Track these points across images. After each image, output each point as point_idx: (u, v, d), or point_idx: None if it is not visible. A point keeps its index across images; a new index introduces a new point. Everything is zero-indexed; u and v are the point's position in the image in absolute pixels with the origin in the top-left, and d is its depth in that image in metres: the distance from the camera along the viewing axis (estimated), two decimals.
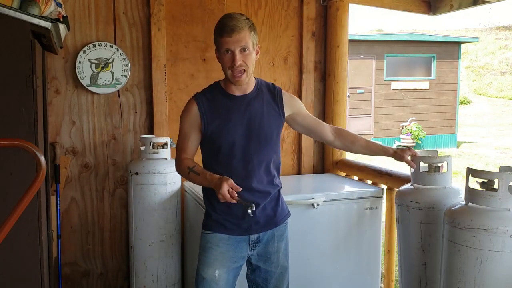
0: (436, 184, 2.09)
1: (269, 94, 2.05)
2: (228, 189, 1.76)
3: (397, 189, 2.91)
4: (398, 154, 2.15)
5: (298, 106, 2.15)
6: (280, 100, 2.06)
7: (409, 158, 2.14)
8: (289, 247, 2.17)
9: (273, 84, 2.10)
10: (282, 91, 2.10)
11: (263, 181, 2.01)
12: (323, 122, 2.24)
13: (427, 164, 2.12)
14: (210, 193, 1.99)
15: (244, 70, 1.88)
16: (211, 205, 2.02)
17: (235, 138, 1.95)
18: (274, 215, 2.07)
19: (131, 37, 3.14)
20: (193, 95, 2.03)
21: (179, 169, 2.00)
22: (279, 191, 2.11)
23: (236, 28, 1.83)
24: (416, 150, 2.17)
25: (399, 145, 13.39)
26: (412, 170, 2.16)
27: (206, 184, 1.90)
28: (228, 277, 2.00)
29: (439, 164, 2.10)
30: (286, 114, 2.08)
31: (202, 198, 2.18)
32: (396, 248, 3.11)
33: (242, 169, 1.97)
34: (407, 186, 2.23)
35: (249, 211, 1.81)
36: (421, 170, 2.13)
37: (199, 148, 2.06)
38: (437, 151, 2.18)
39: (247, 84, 1.97)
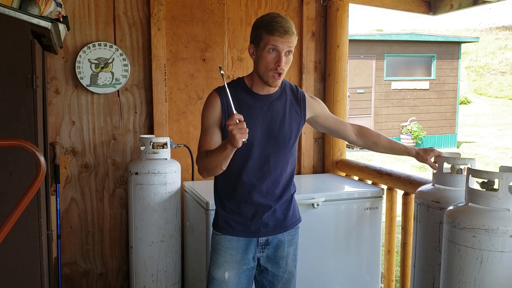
0: (458, 185, 2.08)
1: (292, 95, 2.02)
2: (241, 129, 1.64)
3: (397, 189, 2.92)
4: (421, 156, 2.15)
5: (320, 107, 2.12)
6: (303, 102, 2.04)
7: (432, 159, 2.13)
8: (298, 253, 2.14)
9: (296, 86, 2.07)
10: (306, 94, 2.08)
11: (277, 183, 1.98)
12: (345, 122, 2.23)
13: (450, 166, 2.12)
14: (222, 192, 1.99)
15: (281, 73, 1.85)
16: (222, 203, 2.00)
17: (254, 138, 1.89)
18: (284, 219, 2.02)
19: (131, 37, 3.14)
20: (214, 89, 1.96)
21: (198, 162, 1.88)
22: (292, 195, 2.07)
23: (290, 31, 1.80)
24: (439, 150, 2.17)
25: None
26: (435, 171, 2.15)
27: (224, 154, 1.73)
28: (240, 279, 1.98)
29: (462, 167, 2.10)
30: (307, 116, 2.06)
31: (203, 198, 2.17)
32: (396, 248, 3.11)
33: (258, 169, 1.93)
34: (428, 186, 2.22)
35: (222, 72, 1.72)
36: (443, 171, 2.13)
37: None
38: (460, 154, 2.17)
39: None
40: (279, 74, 1.84)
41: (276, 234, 2.00)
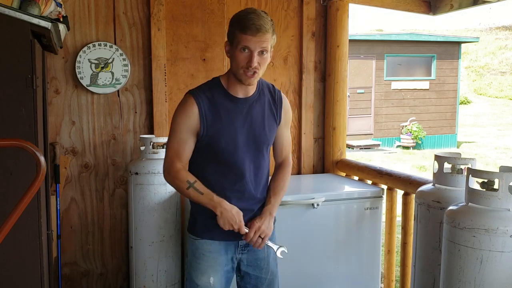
0: (459, 185, 2.08)
1: (270, 96, 1.97)
2: (239, 229, 1.84)
3: (397, 189, 2.92)
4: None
5: (288, 119, 2.05)
6: (280, 104, 1.98)
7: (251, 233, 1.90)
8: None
9: (273, 85, 2.02)
10: (282, 95, 2.02)
11: (258, 186, 1.96)
12: (284, 150, 2.08)
13: (450, 165, 2.12)
14: None
15: (256, 72, 1.78)
16: (200, 208, 1.90)
17: (236, 144, 1.86)
18: None
19: (131, 37, 3.14)
20: (190, 92, 1.87)
21: (173, 179, 1.86)
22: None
23: (263, 28, 1.72)
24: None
25: (399, 145, 13.40)
26: (436, 169, 2.15)
27: (209, 206, 1.82)
28: (221, 281, 1.94)
29: (462, 167, 2.10)
30: (280, 121, 2.00)
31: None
32: (396, 248, 3.11)
33: (239, 176, 1.89)
34: (428, 186, 2.22)
35: (280, 253, 1.96)
36: (444, 171, 2.13)
37: None
38: (460, 154, 2.17)
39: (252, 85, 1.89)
40: (253, 74, 1.78)
41: None
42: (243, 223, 1.86)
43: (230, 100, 1.88)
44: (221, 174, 1.89)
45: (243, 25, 1.73)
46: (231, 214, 1.83)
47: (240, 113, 1.87)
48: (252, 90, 1.90)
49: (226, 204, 1.84)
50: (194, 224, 1.97)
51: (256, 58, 1.75)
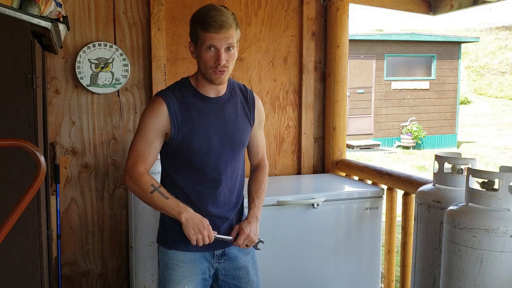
0: (459, 185, 2.08)
1: (242, 96, 1.89)
2: (208, 234, 1.71)
3: (397, 189, 2.92)
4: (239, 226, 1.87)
5: (262, 119, 1.98)
6: (253, 104, 1.91)
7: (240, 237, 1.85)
8: (256, 261, 2.00)
9: (244, 85, 1.94)
10: (255, 95, 1.94)
11: (233, 190, 1.87)
12: (262, 151, 2.03)
13: (450, 165, 2.12)
14: None
15: (225, 70, 1.72)
16: (169, 217, 1.78)
17: (209, 145, 1.77)
18: None
19: (131, 37, 3.14)
20: (158, 93, 1.80)
21: (135, 182, 1.71)
22: (243, 202, 1.96)
23: (226, 24, 1.66)
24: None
25: (399, 145, 13.40)
26: (436, 169, 2.15)
27: (172, 213, 1.70)
28: None
29: (462, 167, 2.10)
30: (255, 121, 1.93)
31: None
32: (396, 248, 3.11)
33: (214, 179, 1.80)
34: (429, 186, 2.22)
35: (258, 246, 1.84)
36: (444, 171, 2.12)
37: None
38: (460, 154, 2.17)
39: (223, 85, 1.82)
40: (223, 72, 1.71)
41: (232, 245, 1.88)
42: (210, 227, 1.75)
43: (201, 99, 1.80)
44: (194, 178, 1.80)
45: (205, 23, 1.68)
46: (197, 219, 1.72)
47: (212, 113, 1.80)
48: (223, 89, 1.83)
49: (191, 210, 1.72)
50: (165, 234, 1.87)
51: (223, 56, 1.69)
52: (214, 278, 1.92)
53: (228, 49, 1.70)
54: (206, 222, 1.74)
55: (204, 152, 1.77)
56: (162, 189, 1.71)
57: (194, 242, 1.72)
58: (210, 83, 1.78)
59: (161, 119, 1.74)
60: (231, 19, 1.69)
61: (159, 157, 1.84)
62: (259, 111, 1.95)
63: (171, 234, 1.84)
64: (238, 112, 1.86)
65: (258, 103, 1.95)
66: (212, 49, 1.69)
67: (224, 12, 1.69)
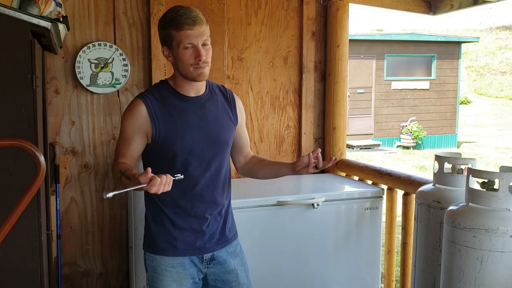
0: (459, 185, 2.08)
1: (222, 95, 1.89)
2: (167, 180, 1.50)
3: (397, 189, 2.92)
4: (294, 163, 1.85)
5: (244, 117, 1.99)
6: (233, 103, 1.92)
7: (304, 160, 1.82)
8: (246, 262, 1.99)
9: (223, 86, 1.95)
10: (234, 94, 1.95)
11: (218, 190, 1.85)
12: (248, 149, 2.03)
13: (450, 165, 2.12)
14: (158, 207, 1.82)
15: (206, 65, 1.72)
16: (158, 220, 1.81)
17: (192, 144, 1.76)
18: (228, 231, 1.91)
19: (131, 37, 3.14)
20: (137, 95, 1.81)
21: (112, 175, 1.78)
22: (230, 203, 1.94)
23: (198, 19, 1.66)
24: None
25: (399, 145, 13.41)
26: (436, 169, 2.14)
27: (135, 185, 1.55)
28: None
29: (462, 167, 2.10)
30: (238, 120, 1.93)
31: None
32: (396, 248, 3.11)
33: (199, 178, 1.79)
34: (429, 186, 2.22)
35: (177, 177, 1.57)
36: (444, 171, 2.12)
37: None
38: (460, 154, 2.17)
39: (202, 84, 1.81)
40: (203, 67, 1.71)
41: (221, 249, 1.87)
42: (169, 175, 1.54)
43: (181, 99, 1.80)
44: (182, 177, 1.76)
45: (177, 22, 1.67)
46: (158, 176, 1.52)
47: (193, 112, 1.79)
48: (202, 88, 1.83)
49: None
50: (152, 240, 1.86)
51: (202, 51, 1.69)
52: (204, 284, 1.90)
53: (204, 45, 1.70)
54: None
55: (187, 151, 1.77)
56: (129, 172, 1.61)
57: (152, 191, 1.51)
58: (189, 83, 1.78)
59: (140, 119, 1.75)
60: (200, 14, 1.70)
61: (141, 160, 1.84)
62: (240, 109, 1.96)
63: (158, 239, 1.84)
64: (220, 111, 1.86)
65: (239, 102, 1.96)
66: (190, 47, 1.69)
67: (193, 9, 1.70)
